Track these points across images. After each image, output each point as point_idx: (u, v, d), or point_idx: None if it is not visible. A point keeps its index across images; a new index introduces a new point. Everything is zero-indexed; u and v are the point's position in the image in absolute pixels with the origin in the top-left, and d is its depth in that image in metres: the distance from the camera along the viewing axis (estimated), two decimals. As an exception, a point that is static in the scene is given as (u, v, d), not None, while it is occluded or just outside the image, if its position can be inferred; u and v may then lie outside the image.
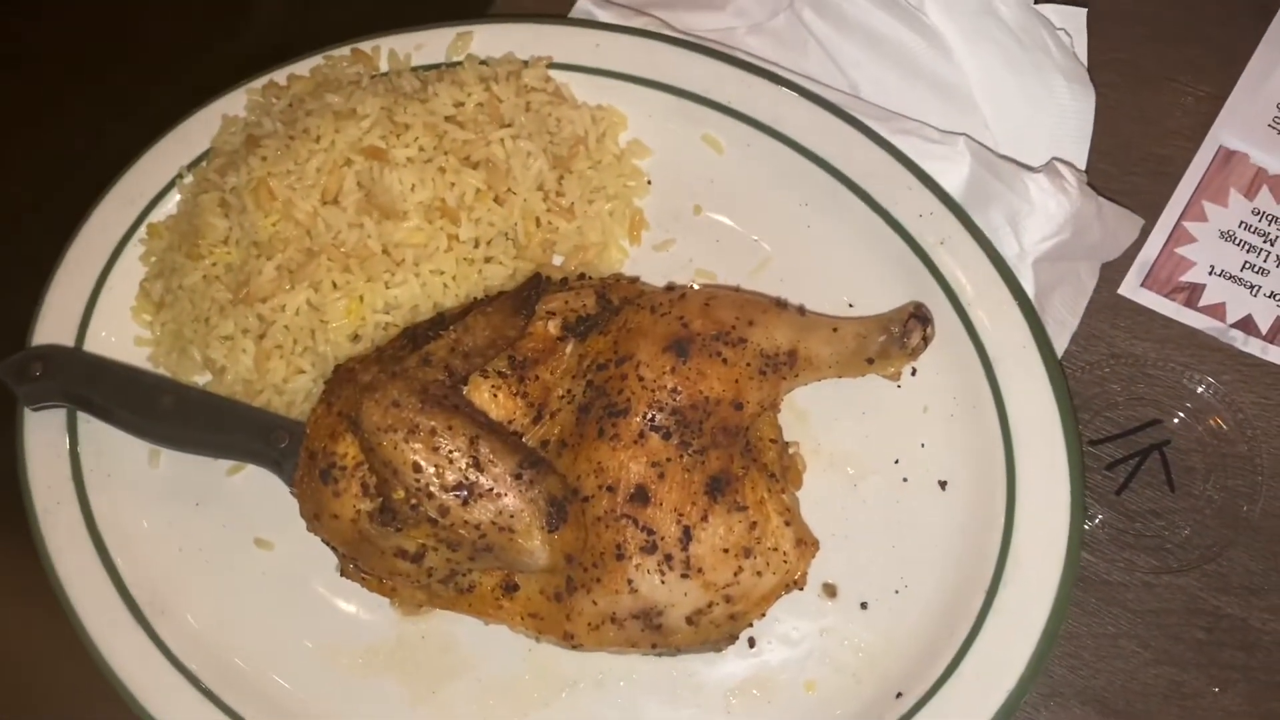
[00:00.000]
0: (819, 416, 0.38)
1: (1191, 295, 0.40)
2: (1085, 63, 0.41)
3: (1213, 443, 0.37)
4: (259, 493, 0.39)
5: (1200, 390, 0.38)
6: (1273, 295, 0.39)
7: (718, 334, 0.36)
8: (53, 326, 0.41)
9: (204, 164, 0.43)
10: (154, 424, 0.39)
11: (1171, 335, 0.40)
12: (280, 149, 0.40)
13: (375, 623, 0.37)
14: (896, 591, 0.36)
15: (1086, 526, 0.37)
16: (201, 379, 0.42)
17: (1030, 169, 0.39)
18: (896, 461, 0.37)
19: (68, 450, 0.40)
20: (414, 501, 0.33)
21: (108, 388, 0.39)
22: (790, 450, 0.38)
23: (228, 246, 0.41)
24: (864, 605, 0.36)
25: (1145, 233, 0.41)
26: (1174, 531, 0.37)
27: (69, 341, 0.41)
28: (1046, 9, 0.41)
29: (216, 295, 0.40)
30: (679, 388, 0.35)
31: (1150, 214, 0.41)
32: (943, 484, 0.37)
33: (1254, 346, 0.39)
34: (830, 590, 0.37)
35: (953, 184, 0.38)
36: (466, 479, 0.33)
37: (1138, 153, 0.43)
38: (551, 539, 0.34)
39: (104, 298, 0.42)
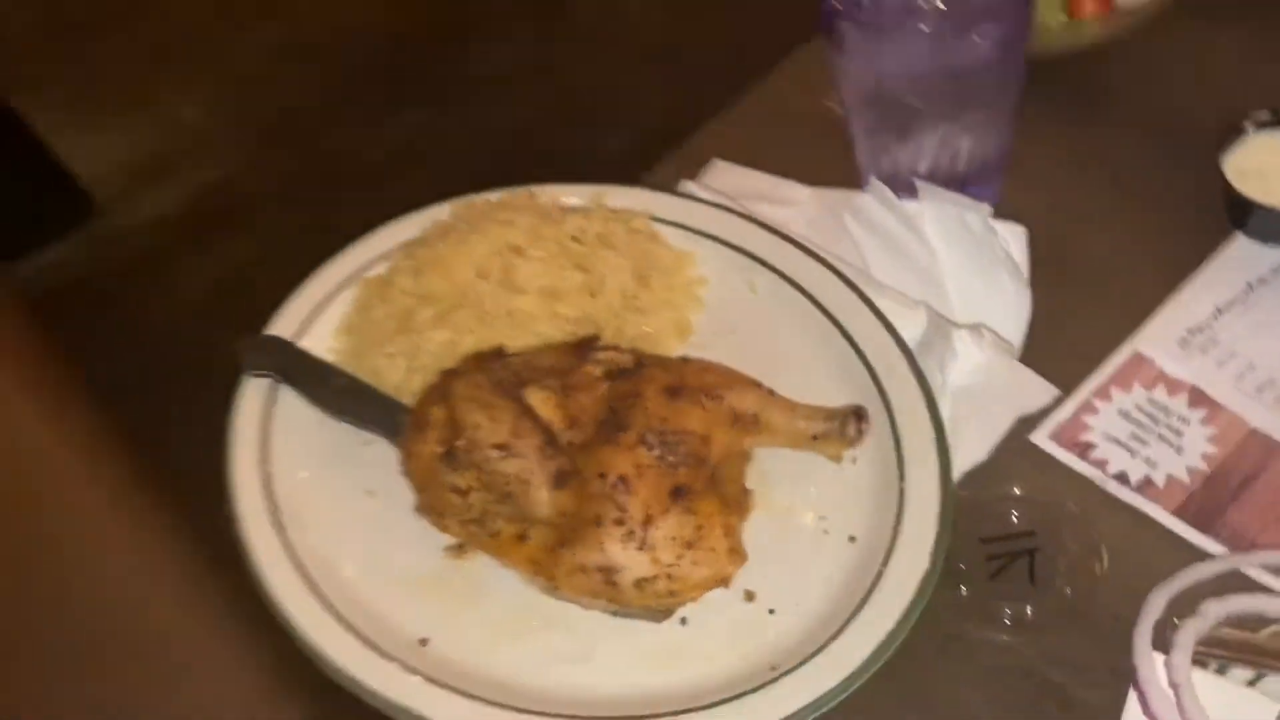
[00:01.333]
0: (775, 476, 0.51)
1: (1085, 450, 0.51)
2: (1026, 269, 0.55)
3: (1072, 552, 0.47)
4: (380, 458, 0.55)
5: (1072, 515, 0.49)
6: (1146, 460, 0.50)
7: (703, 389, 0.50)
8: (285, 323, 0.60)
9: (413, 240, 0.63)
10: (326, 397, 0.56)
11: (1061, 475, 0.51)
12: (460, 239, 0.59)
13: (431, 561, 0.51)
14: (797, 604, 0.47)
15: (961, 591, 0.48)
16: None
17: (959, 326, 0.52)
18: (823, 517, 0.49)
19: (262, 407, 0.58)
20: (469, 450, 0.48)
21: (306, 369, 0.57)
22: (747, 492, 0.51)
23: (407, 295, 0.59)
24: (771, 611, 0.48)
25: (1061, 401, 0.53)
26: (1026, 612, 0.47)
27: (290, 336, 0.60)
28: (998, 224, 0.55)
29: (389, 325, 0.59)
30: (668, 419, 0.49)
31: (1068, 388, 0.53)
32: (852, 538, 0.49)
33: (1123, 494, 0.50)
34: (749, 595, 0.49)
35: (909, 334, 0.52)
36: (506, 442, 0.48)
37: (1067, 343, 0.55)
38: (555, 496, 0.48)
39: (323, 313, 0.61)
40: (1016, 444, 0.52)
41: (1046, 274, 0.57)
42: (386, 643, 0.48)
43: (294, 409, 0.58)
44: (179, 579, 0.98)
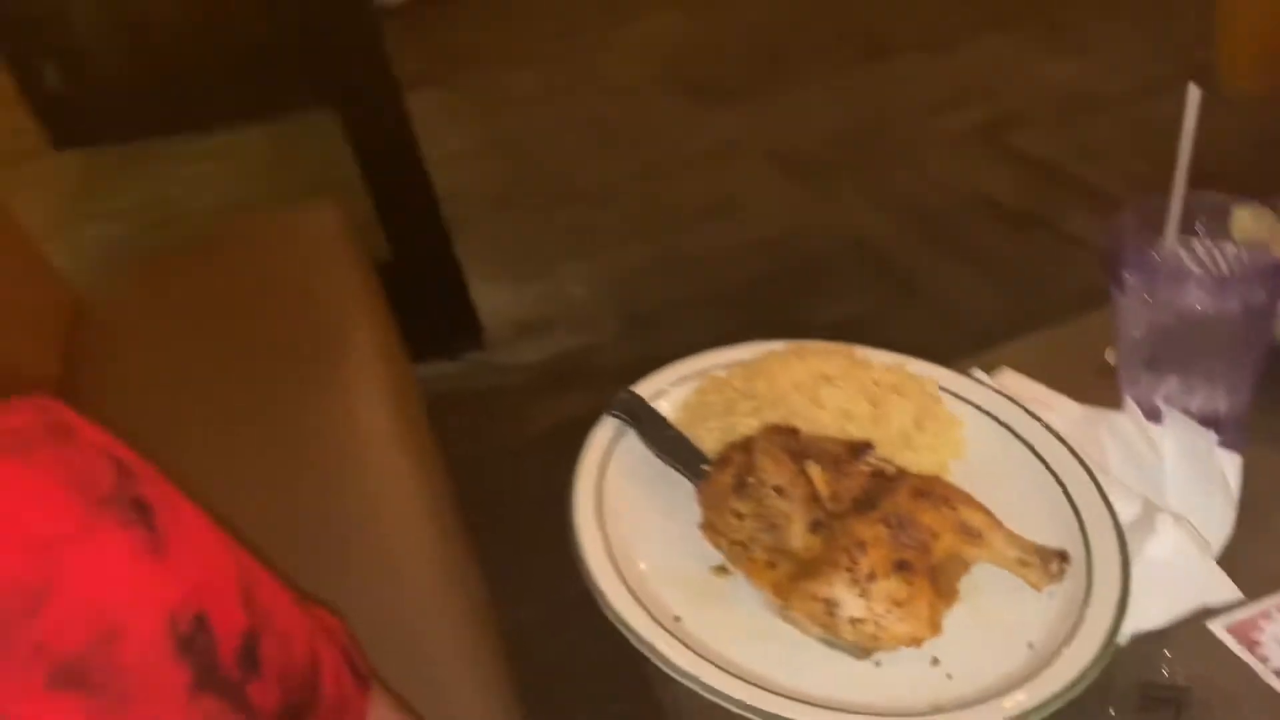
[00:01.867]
0: (983, 584, 0.63)
1: (1253, 645, 0.59)
2: (1238, 492, 0.65)
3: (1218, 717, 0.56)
4: (682, 492, 0.72)
5: (1227, 688, 0.57)
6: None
7: (943, 499, 0.63)
8: (645, 387, 0.80)
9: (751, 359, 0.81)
10: (658, 441, 0.75)
11: (1226, 658, 0.59)
12: (786, 360, 0.78)
13: (700, 571, 0.67)
14: (971, 677, 0.58)
15: (1110, 713, 0.57)
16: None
17: (1165, 511, 0.63)
18: (1012, 624, 0.61)
19: (610, 438, 0.77)
20: (754, 485, 0.65)
21: (649, 418, 0.76)
22: (956, 589, 0.63)
23: (736, 391, 0.78)
24: (949, 676, 0.59)
25: (1244, 602, 0.62)
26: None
27: (647, 397, 0.79)
28: (1220, 451, 0.66)
29: (716, 408, 0.77)
30: (909, 511, 0.63)
31: (1253, 593, 0.62)
32: (1030, 645, 0.59)
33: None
34: (935, 660, 0.60)
35: (1123, 512, 0.64)
36: (783, 487, 0.64)
37: (1262, 555, 0.64)
38: (807, 538, 0.63)
39: (673, 390, 0.80)
40: (1193, 625, 0.61)
41: (1256, 500, 0.66)
42: (655, 611, 0.64)
43: (632, 445, 0.77)
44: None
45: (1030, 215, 2.47)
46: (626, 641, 0.62)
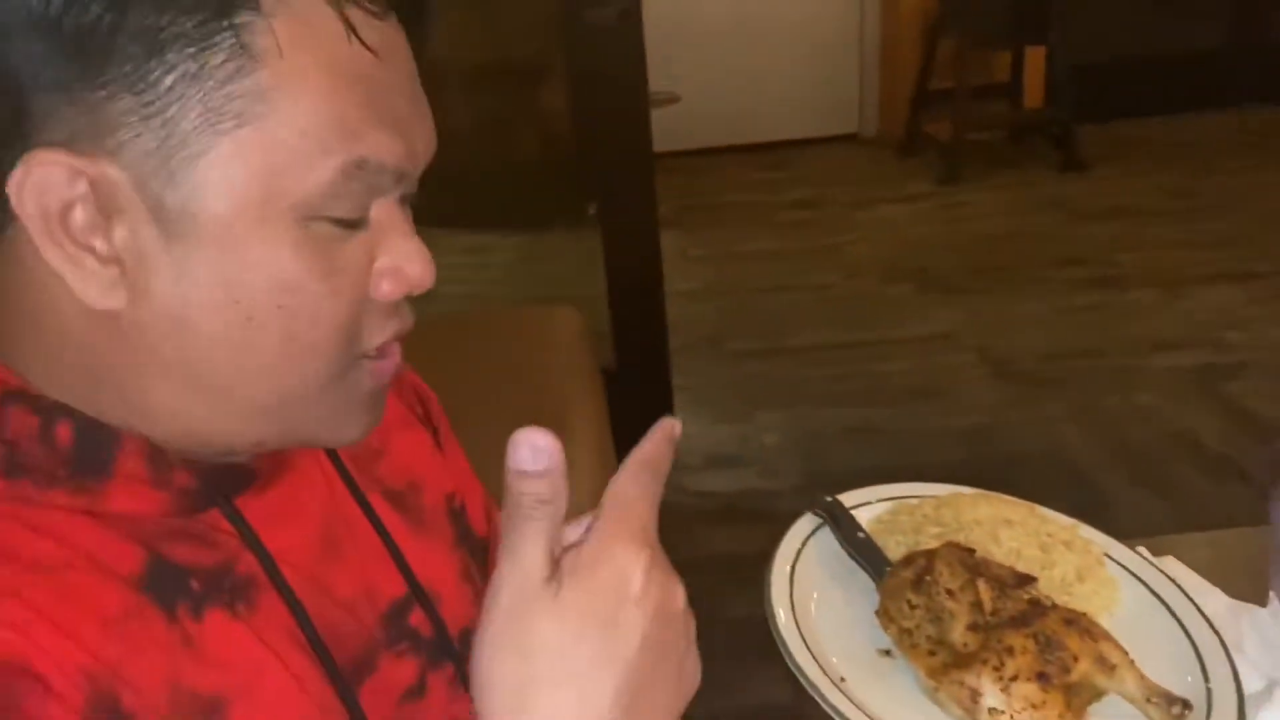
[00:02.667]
0: (1111, 712, 0.74)
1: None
2: None
3: None
4: (863, 586, 0.85)
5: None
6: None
7: (1088, 631, 0.75)
8: (849, 499, 0.94)
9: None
10: (848, 540, 0.89)
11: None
12: (974, 501, 0.91)
13: (869, 650, 0.80)
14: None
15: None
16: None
17: None
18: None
19: (807, 533, 0.91)
20: (930, 584, 0.78)
21: (845, 520, 0.91)
22: (1086, 711, 0.74)
23: (925, 517, 0.91)
24: (1066, 780, 0.70)
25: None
26: None
27: (848, 505, 0.93)
28: None
29: (905, 526, 0.90)
30: (1056, 632, 0.74)
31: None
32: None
33: None
34: None
35: (1248, 686, 0.73)
36: (954, 590, 0.77)
37: None
38: (965, 635, 0.75)
39: (873, 507, 0.94)
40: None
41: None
42: (829, 669, 0.78)
43: (827, 540, 0.91)
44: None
45: (1231, 464, 2.48)
46: None
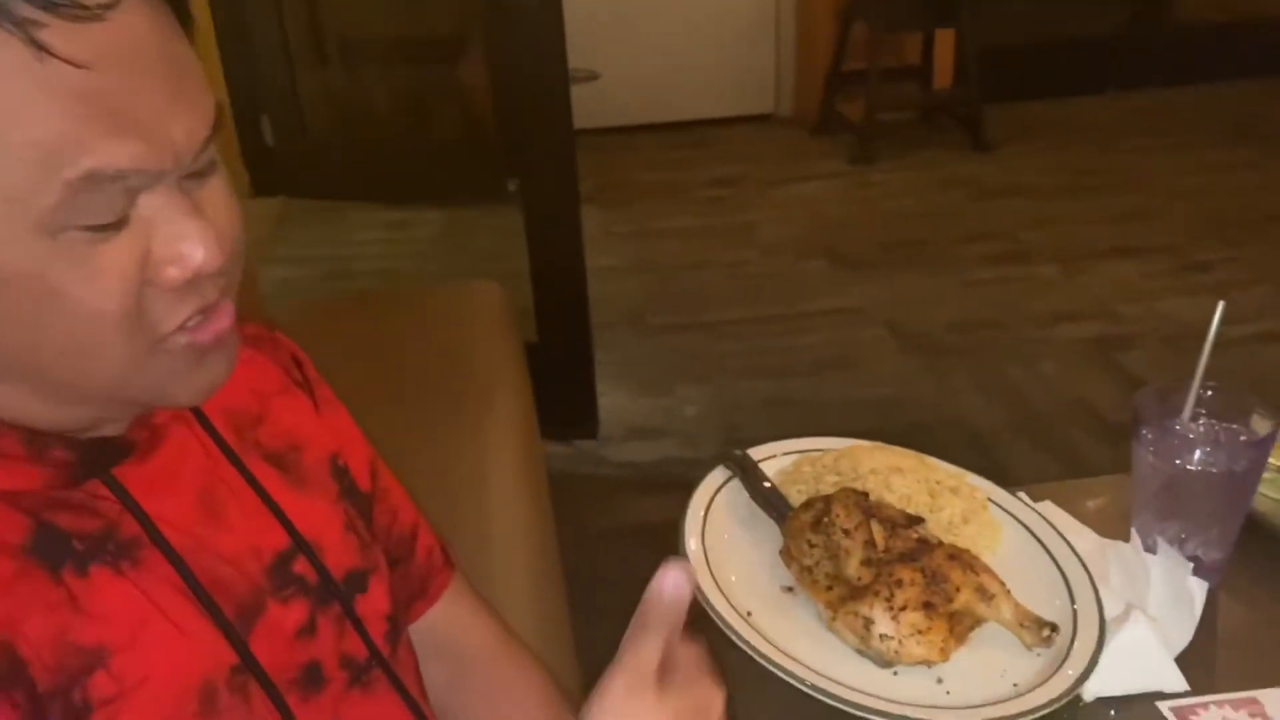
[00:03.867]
0: (987, 636, 0.82)
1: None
2: (1199, 611, 0.81)
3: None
4: (768, 531, 0.92)
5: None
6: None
7: (969, 565, 0.82)
8: (757, 452, 1.00)
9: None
10: (755, 490, 0.95)
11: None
12: (870, 452, 0.98)
13: (773, 587, 0.86)
14: (963, 694, 0.77)
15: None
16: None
17: (1142, 612, 0.80)
18: (1005, 670, 0.78)
19: (717, 484, 0.97)
20: (828, 525, 0.85)
21: (752, 473, 0.97)
22: (965, 636, 0.81)
23: (825, 467, 0.98)
24: (947, 692, 0.77)
25: (1189, 694, 0.78)
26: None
27: (756, 459, 1.00)
28: (1191, 579, 0.83)
29: (806, 476, 0.97)
30: (940, 566, 0.82)
31: (1199, 688, 0.78)
32: (1015, 685, 0.77)
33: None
34: (939, 679, 0.78)
35: (1109, 610, 0.81)
36: (849, 530, 0.83)
37: (1210, 667, 0.80)
38: (859, 570, 0.82)
39: (778, 459, 1.01)
40: (1145, 702, 0.78)
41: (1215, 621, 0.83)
42: (737, 605, 0.84)
43: (734, 492, 0.97)
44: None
45: (1123, 429, 2.61)
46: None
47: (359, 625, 0.70)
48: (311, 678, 0.65)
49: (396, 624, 0.75)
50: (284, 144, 4.14)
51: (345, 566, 0.70)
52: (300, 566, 0.67)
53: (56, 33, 0.45)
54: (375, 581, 0.73)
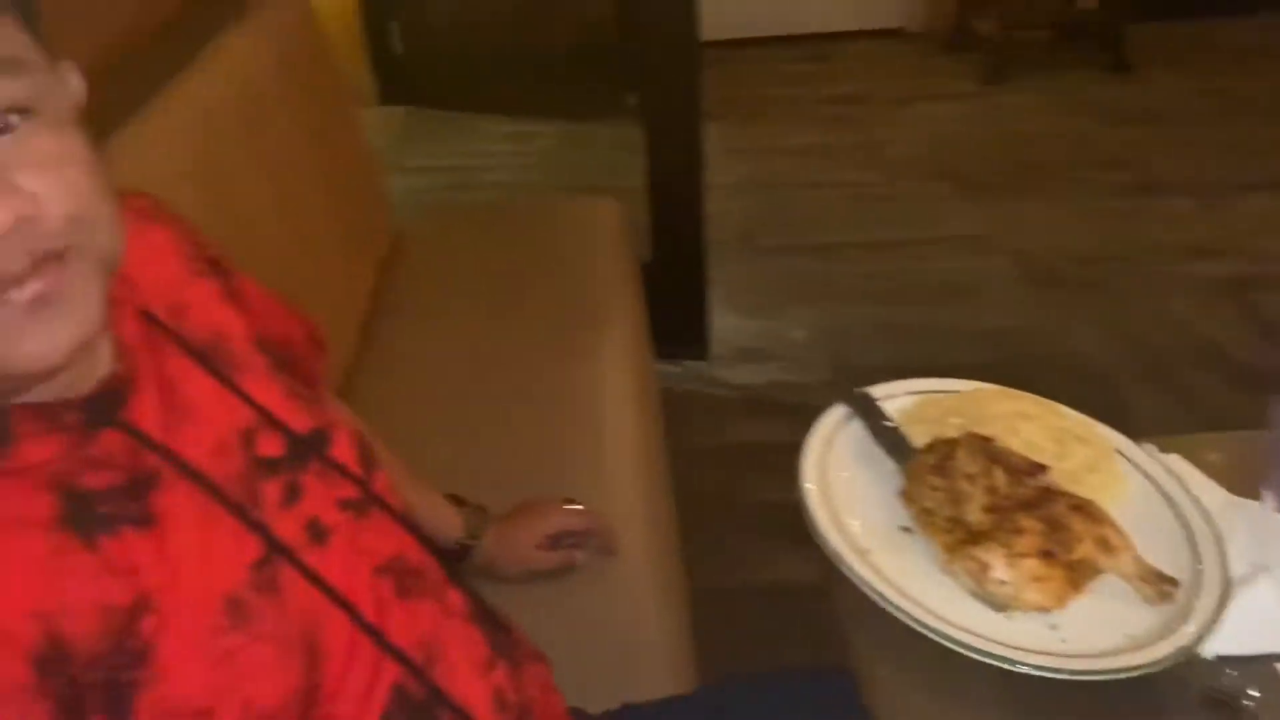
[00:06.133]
0: (1108, 587, 0.82)
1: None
2: None
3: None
4: (888, 471, 0.93)
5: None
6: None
7: (1093, 516, 0.82)
8: (877, 391, 1.01)
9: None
10: (876, 429, 0.96)
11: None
12: (996, 396, 0.97)
13: (892, 527, 0.87)
14: (1081, 642, 0.77)
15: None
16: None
17: (1270, 575, 0.79)
18: (1125, 620, 0.79)
19: (837, 422, 0.98)
20: (951, 469, 0.85)
21: (873, 412, 0.98)
22: (1084, 585, 0.82)
23: (949, 409, 0.98)
24: (1063, 640, 0.78)
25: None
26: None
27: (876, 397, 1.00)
28: None
29: (930, 416, 0.97)
30: (1063, 517, 0.81)
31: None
32: (1131, 636, 0.78)
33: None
34: (1054, 626, 0.78)
35: (1235, 567, 0.80)
36: (972, 475, 0.84)
37: None
38: (980, 515, 0.83)
39: (900, 399, 1.01)
40: (1265, 664, 0.78)
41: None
42: (855, 545, 0.86)
43: (855, 431, 0.98)
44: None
45: (1255, 374, 2.52)
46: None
47: (343, 470, 0.74)
48: (317, 533, 0.69)
49: (366, 454, 0.77)
50: (411, 52, 4.17)
51: (307, 427, 0.73)
52: (268, 437, 0.70)
53: None
54: (335, 432, 0.75)
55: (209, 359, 0.69)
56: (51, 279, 0.54)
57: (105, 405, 0.62)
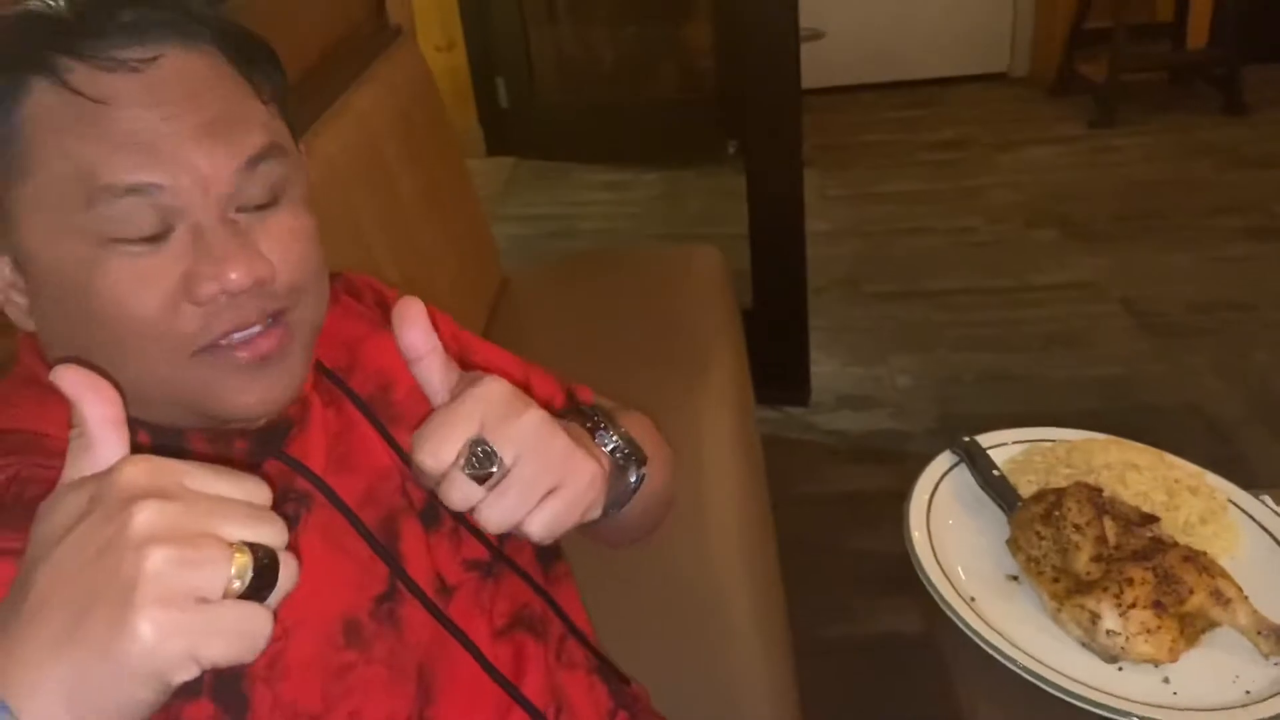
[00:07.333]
0: (1220, 640, 0.80)
1: None
2: None
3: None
4: (994, 519, 0.93)
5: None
6: None
7: (1206, 568, 0.81)
8: (985, 439, 1.01)
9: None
10: (983, 477, 0.96)
11: None
12: (1106, 446, 0.97)
13: (998, 576, 0.87)
14: (1191, 696, 0.76)
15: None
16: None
17: None
18: (1238, 675, 0.78)
19: (944, 471, 0.98)
20: (1058, 518, 0.85)
21: (980, 459, 0.98)
22: (1196, 637, 0.81)
23: (1058, 458, 0.98)
24: (1174, 693, 0.77)
25: None
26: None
27: (984, 446, 1.00)
28: None
29: (1038, 466, 0.97)
30: (1175, 568, 0.81)
31: None
32: (1247, 691, 0.76)
33: None
34: (1166, 679, 0.77)
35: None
36: (1080, 525, 0.84)
37: None
38: (1088, 565, 0.82)
39: (1009, 448, 1.01)
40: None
41: None
42: (961, 590, 0.86)
43: (962, 478, 0.98)
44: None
45: (1388, 430, 2.42)
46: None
47: (475, 533, 0.76)
48: (442, 587, 0.72)
49: None
50: (516, 105, 4.30)
51: None
52: (415, 489, 0.73)
53: (82, 77, 0.56)
54: None
55: (371, 409, 0.74)
56: (275, 340, 0.61)
57: (273, 439, 0.67)
